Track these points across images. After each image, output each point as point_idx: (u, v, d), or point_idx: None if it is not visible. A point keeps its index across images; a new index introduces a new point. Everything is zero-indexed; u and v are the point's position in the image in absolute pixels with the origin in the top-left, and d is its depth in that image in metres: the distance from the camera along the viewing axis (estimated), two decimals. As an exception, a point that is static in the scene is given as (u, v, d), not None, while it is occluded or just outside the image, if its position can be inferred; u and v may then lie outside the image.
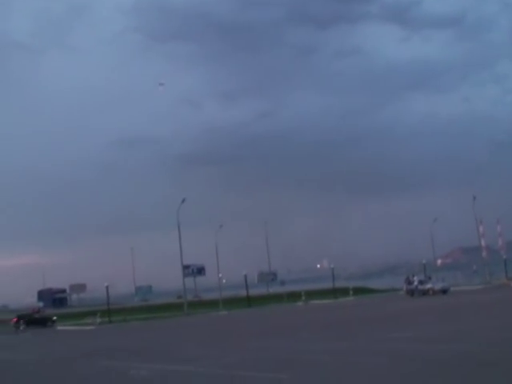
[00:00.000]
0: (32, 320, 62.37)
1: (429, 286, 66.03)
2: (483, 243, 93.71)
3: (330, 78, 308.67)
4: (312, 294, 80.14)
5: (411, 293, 66.08)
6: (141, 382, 17.13)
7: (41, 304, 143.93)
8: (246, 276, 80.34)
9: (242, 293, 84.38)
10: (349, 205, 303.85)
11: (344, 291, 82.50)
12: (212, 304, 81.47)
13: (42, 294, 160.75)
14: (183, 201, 71.43)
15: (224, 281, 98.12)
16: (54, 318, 64.74)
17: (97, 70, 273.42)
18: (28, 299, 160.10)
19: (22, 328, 58.98)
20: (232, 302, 79.34)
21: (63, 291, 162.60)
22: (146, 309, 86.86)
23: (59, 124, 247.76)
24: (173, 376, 17.73)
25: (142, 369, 19.59)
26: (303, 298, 74.95)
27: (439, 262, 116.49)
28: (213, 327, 42.79)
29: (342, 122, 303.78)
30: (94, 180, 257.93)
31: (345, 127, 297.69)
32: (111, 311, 65.86)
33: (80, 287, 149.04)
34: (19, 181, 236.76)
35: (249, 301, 76.39)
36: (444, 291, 64.33)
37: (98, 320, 59.43)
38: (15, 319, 61.93)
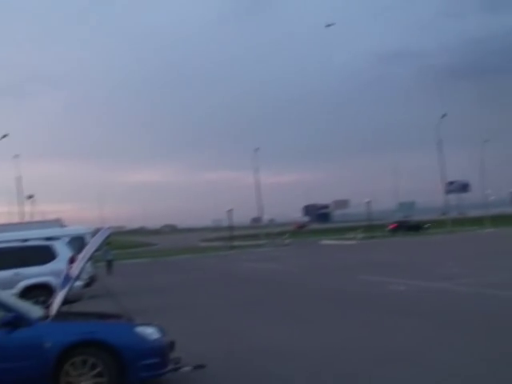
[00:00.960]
0: (407, 226, 66.81)
1: None
2: None
3: None
4: None
5: None
6: (397, 297, 16.80)
7: (306, 218, 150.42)
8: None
9: (511, 210, 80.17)
10: None
11: None
12: (477, 221, 78.53)
13: (307, 209, 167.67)
14: (443, 116, 68.86)
15: (491, 198, 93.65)
16: (427, 224, 68.22)
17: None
18: (294, 214, 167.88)
19: (287, 241, 61.89)
20: (499, 220, 75.69)
21: (327, 207, 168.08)
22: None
23: (320, 40, 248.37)
24: (429, 293, 17.15)
25: (398, 284, 19.29)
26: None
27: None
28: (476, 245, 41.12)
29: None
30: (354, 96, 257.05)
31: None
32: (373, 227, 66.46)
33: (343, 203, 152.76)
34: (283, 99, 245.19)
35: (517, 218, 72.35)
36: None
37: (360, 235, 60.29)
38: (394, 225, 67.33)
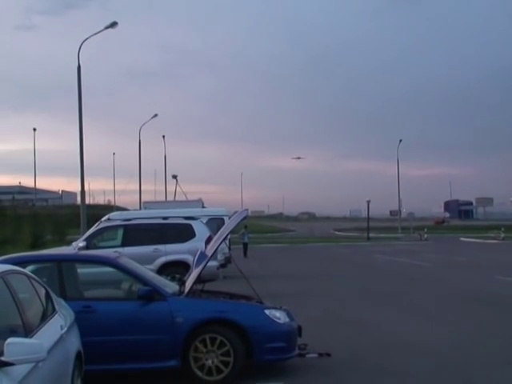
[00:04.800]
0: None
1: None
2: None
3: None
4: None
5: None
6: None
7: (447, 214, 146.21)
8: None
9: None
10: None
11: None
12: None
13: (448, 205, 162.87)
14: None
15: None
16: None
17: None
18: (435, 209, 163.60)
19: (425, 236, 60.51)
20: None
21: (469, 203, 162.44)
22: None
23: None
24: None
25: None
26: None
27: None
28: None
29: None
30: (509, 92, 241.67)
31: None
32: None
33: (486, 200, 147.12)
34: (430, 92, 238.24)
35: None
36: None
37: (502, 235, 57.78)
38: None
